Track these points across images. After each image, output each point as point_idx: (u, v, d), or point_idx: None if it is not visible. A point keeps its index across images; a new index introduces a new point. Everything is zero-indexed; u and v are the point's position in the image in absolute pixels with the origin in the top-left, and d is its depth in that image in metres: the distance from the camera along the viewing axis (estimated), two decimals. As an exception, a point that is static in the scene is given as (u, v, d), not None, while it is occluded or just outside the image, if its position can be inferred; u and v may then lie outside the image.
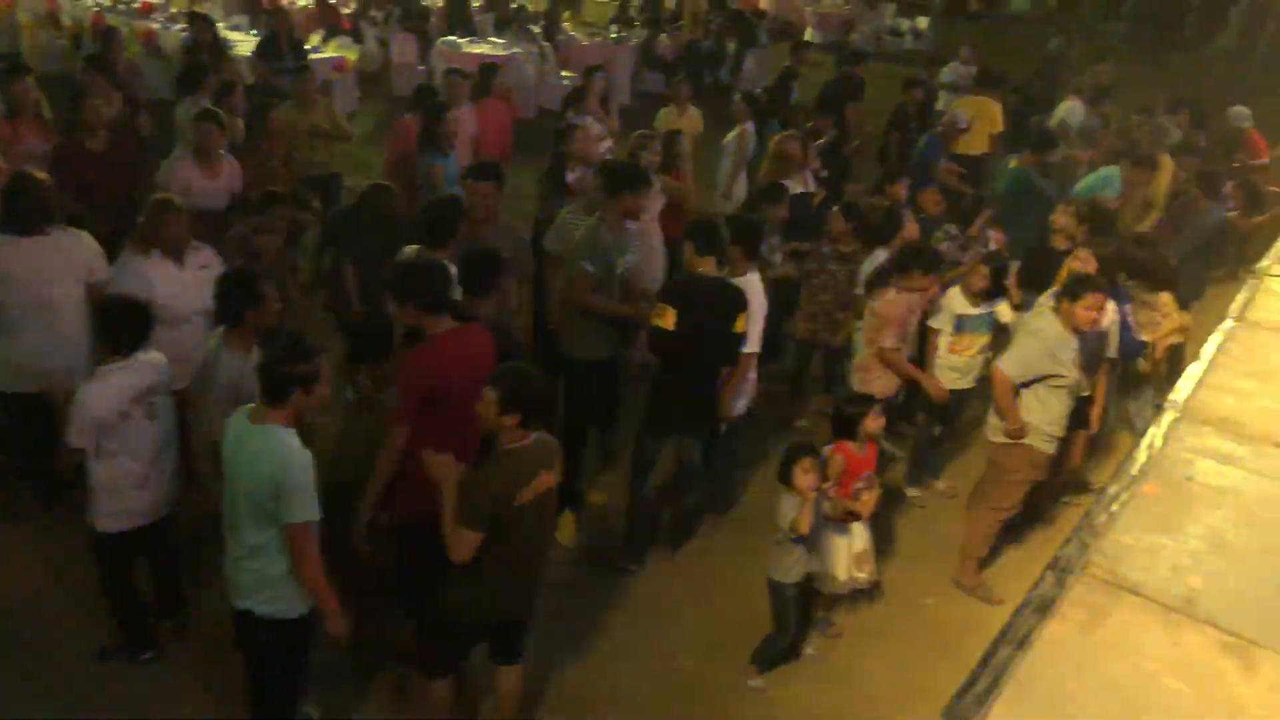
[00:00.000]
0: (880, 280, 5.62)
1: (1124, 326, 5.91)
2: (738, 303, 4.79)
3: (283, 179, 6.44)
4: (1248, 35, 22.27)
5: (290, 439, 3.31)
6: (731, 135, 8.29)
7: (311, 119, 7.52)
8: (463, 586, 3.48)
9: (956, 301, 5.85)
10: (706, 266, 4.82)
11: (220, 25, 12.09)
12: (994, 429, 5.18)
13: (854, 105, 9.73)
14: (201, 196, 6.06)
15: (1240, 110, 10.20)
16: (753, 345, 5.14)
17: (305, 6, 14.51)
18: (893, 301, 5.51)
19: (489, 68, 8.61)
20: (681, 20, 17.65)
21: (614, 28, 15.91)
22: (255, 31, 11.96)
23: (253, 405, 3.38)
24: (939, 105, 11.56)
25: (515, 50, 13.14)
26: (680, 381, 4.89)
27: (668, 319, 4.66)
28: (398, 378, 3.89)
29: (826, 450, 4.65)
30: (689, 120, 8.83)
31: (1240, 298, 5.25)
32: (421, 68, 13.13)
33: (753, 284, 5.13)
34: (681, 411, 4.98)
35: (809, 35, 21.05)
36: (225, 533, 3.52)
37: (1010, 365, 5.00)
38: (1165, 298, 6.19)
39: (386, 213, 5.67)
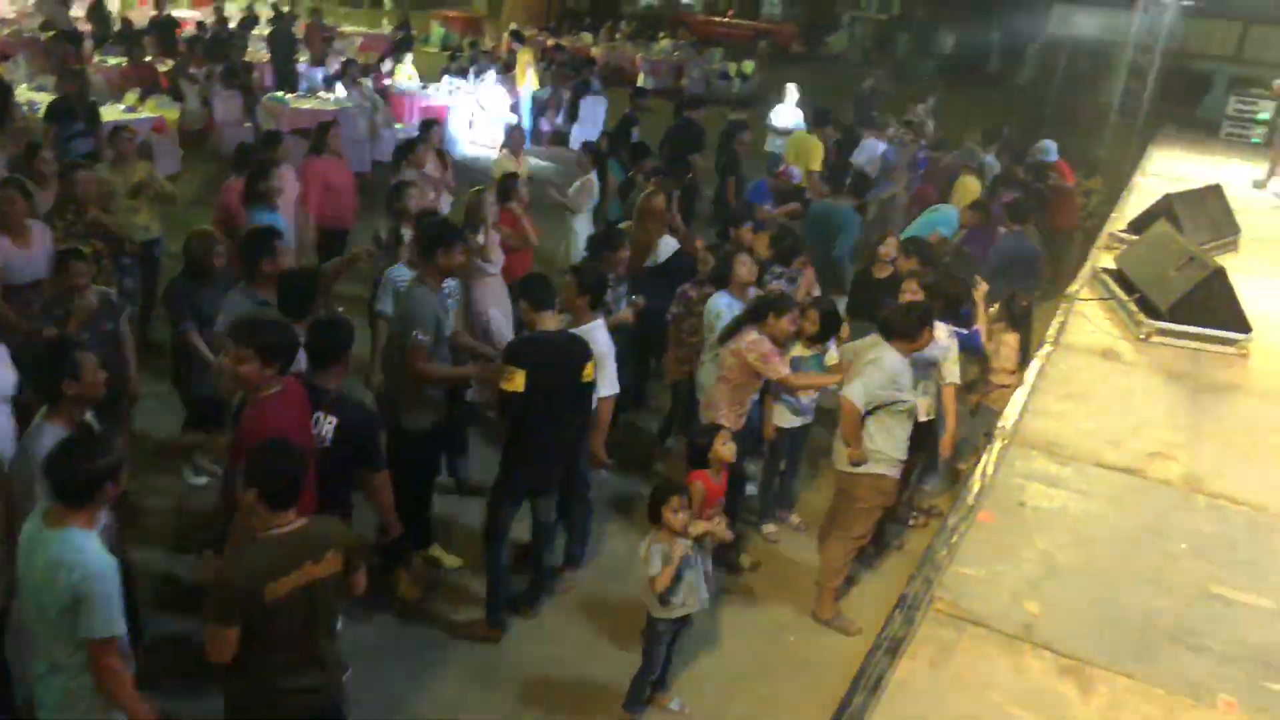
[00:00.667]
0: (737, 329, 5.64)
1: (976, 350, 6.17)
2: (583, 353, 4.76)
3: (94, 241, 6.05)
4: (1044, 71, 23.95)
5: (89, 543, 3.01)
6: (575, 186, 8.33)
7: (129, 180, 7.14)
8: (234, 682, 3.20)
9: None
10: (546, 322, 4.77)
11: (24, 87, 11.41)
12: (841, 458, 5.28)
13: (698, 154, 9.98)
14: (19, 269, 5.64)
15: (1048, 144, 10.89)
16: (609, 388, 5.17)
17: (119, 64, 13.86)
18: (758, 340, 5.59)
19: (323, 126, 8.41)
20: (514, 69, 17.74)
21: (447, 78, 15.82)
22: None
23: (48, 505, 3.06)
24: (765, 146, 11.91)
25: (347, 104, 12.89)
26: (533, 443, 4.80)
27: (516, 382, 4.56)
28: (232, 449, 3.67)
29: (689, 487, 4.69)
30: (524, 166, 8.83)
31: (1055, 322, 5.60)
32: (248, 124, 12.71)
33: (596, 330, 5.13)
34: (535, 473, 4.90)
35: (641, 81, 21.50)
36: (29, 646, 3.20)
37: (856, 394, 5.12)
38: (1010, 340, 6.35)
39: (207, 262, 5.41)
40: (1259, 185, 9.50)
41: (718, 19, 32.76)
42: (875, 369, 5.18)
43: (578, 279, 5.16)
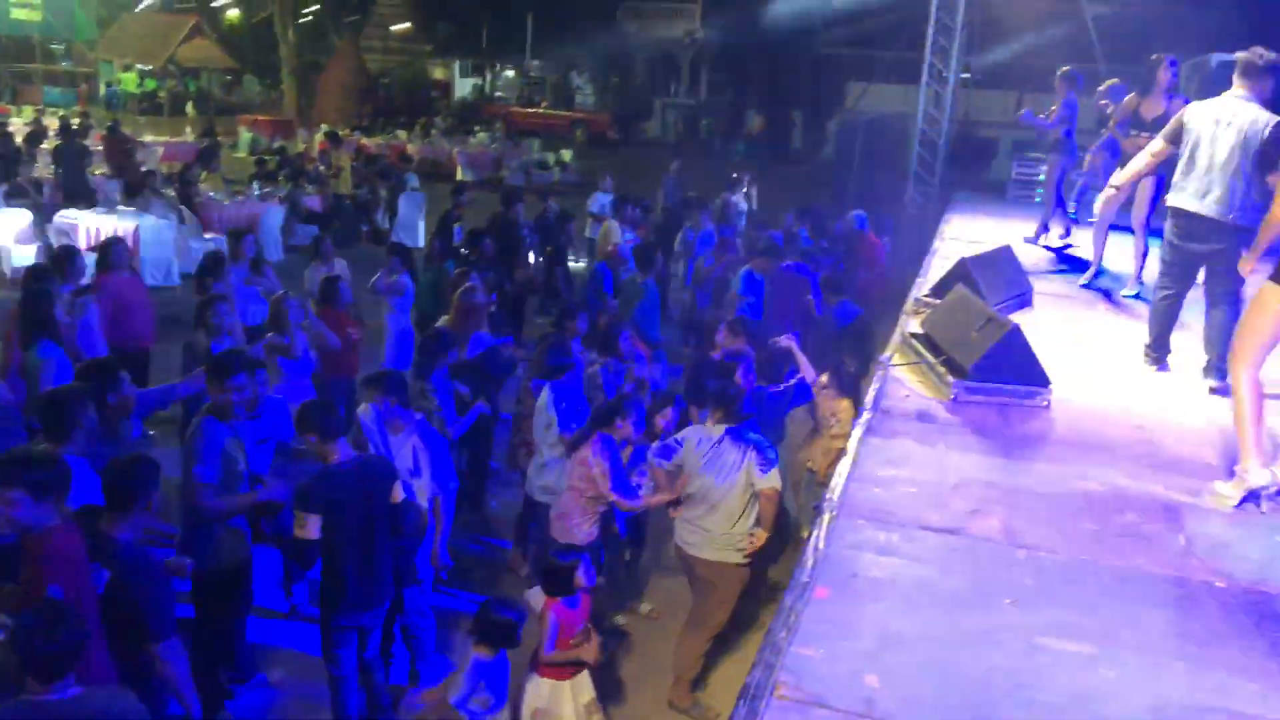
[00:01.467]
0: (585, 435, 5.55)
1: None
2: (385, 475, 4.52)
3: None
4: (842, 146, 25.36)
5: None
6: (384, 286, 8.27)
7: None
8: None
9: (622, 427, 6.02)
10: (335, 453, 4.47)
11: None
12: (707, 547, 5.18)
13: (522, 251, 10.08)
14: None
15: (856, 215, 11.49)
16: (438, 489, 5.05)
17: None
18: (599, 459, 5.51)
19: (110, 242, 8.02)
20: (327, 171, 17.50)
21: (256, 184, 15.43)
22: None
23: None
24: (586, 232, 12.11)
25: (149, 218, 12.35)
26: (347, 581, 4.48)
27: (309, 529, 4.25)
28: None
29: (538, 604, 4.55)
30: (338, 270, 8.68)
31: (871, 389, 5.80)
32: (38, 244, 11.98)
33: (408, 438, 5.00)
34: (356, 610, 4.57)
35: (460, 175, 21.57)
36: None
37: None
38: (845, 405, 6.53)
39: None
40: (1029, 240, 10.26)
41: (533, 110, 33.39)
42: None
43: (381, 386, 5.00)
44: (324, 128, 23.59)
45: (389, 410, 4.98)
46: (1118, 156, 9.17)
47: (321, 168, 17.60)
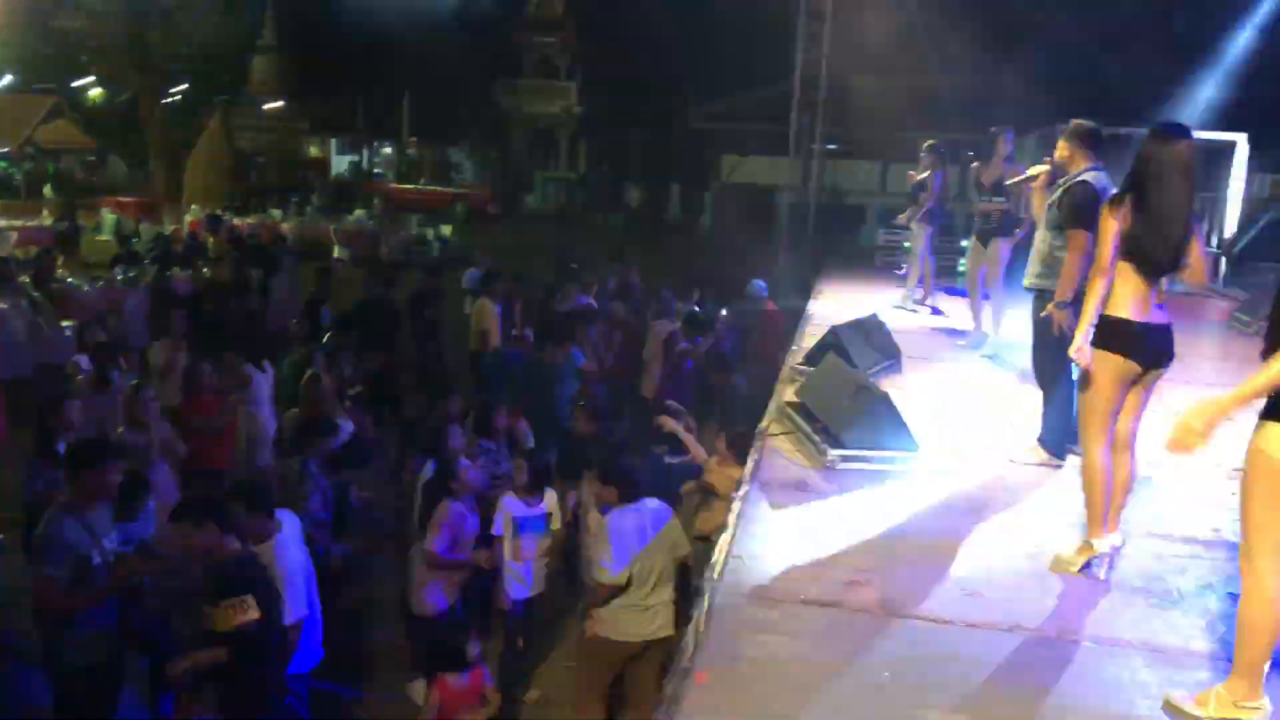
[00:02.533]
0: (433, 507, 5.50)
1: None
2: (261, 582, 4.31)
3: None
4: (719, 216, 26.03)
5: None
6: (241, 380, 8.04)
7: None
8: None
9: (512, 505, 5.94)
10: (229, 542, 4.26)
11: None
12: (670, 618, 5.21)
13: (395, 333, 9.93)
14: None
15: (758, 284, 11.71)
16: (296, 611, 4.78)
17: None
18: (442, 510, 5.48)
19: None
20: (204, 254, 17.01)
21: (120, 268, 14.85)
22: None
23: None
24: (465, 309, 12.04)
25: (1, 305, 11.74)
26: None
27: (249, 611, 4.03)
28: None
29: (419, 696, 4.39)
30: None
31: (750, 460, 5.84)
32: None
33: (271, 550, 4.73)
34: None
35: (337, 253, 21.24)
36: None
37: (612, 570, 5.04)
38: (735, 473, 6.54)
39: None
40: (897, 306, 10.63)
41: (412, 186, 33.27)
42: (617, 535, 5.15)
43: (244, 496, 4.75)
44: (193, 208, 22.98)
45: (255, 524, 4.71)
46: (938, 221, 9.85)
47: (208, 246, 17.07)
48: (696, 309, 10.50)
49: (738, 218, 19.67)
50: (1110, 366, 4.07)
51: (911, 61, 17.96)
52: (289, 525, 4.87)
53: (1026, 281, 5.93)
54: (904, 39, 16.09)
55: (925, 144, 10.34)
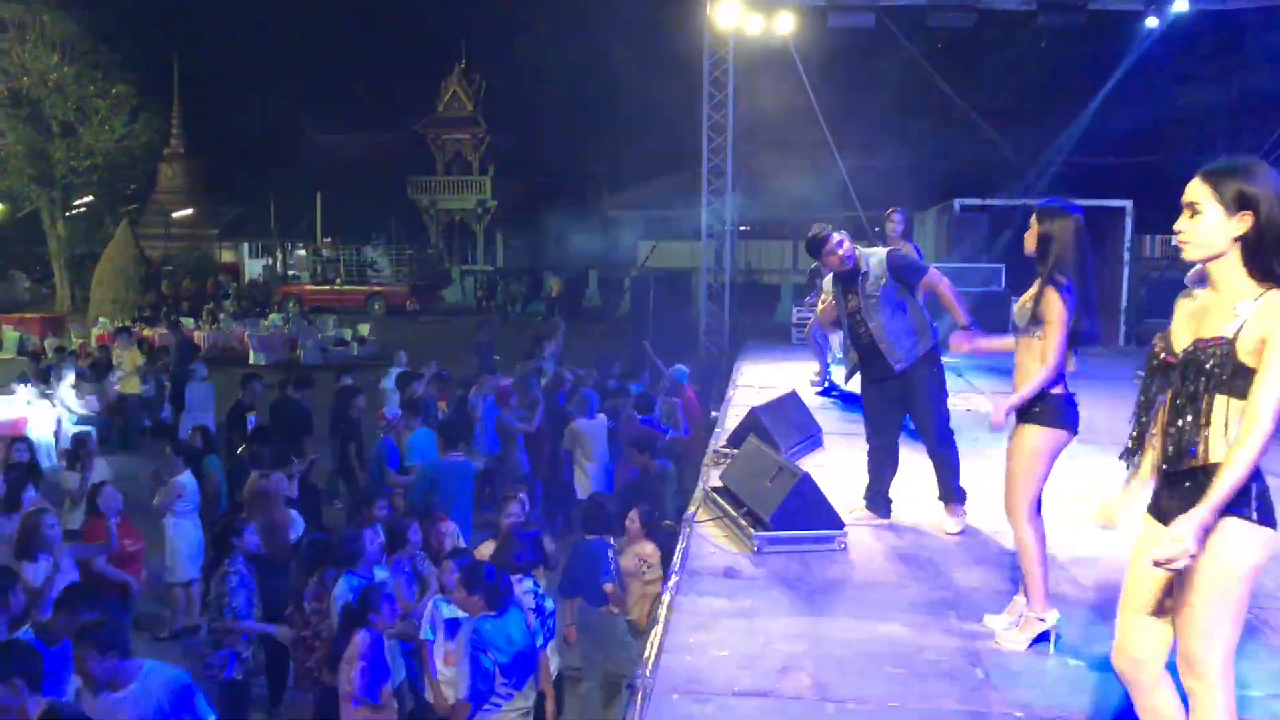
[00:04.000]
0: (345, 633, 5.28)
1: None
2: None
3: None
4: (637, 301, 26.28)
5: None
6: (161, 490, 7.81)
7: None
8: None
9: (440, 607, 5.77)
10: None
11: None
12: None
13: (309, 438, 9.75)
14: None
15: (679, 370, 11.80)
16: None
17: None
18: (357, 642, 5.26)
19: None
20: (111, 367, 16.54)
21: (25, 385, 14.36)
22: None
23: None
24: (385, 410, 11.87)
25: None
26: None
27: None
28: None
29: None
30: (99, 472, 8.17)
31: (679, 548, 5.82)
32: None
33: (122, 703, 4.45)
34: None
35: (252, 358, 20.88)
36: None
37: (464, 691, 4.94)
38: (651, 549, 6.52)
39: None
40: (815, 384, 10.80)
41: (328, 287, 32.99)
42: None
43: (92, 638, 4.34)
44: (102, 321, 22.46)
45: (106, 669, 4.23)
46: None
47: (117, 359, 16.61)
48: (644, 391, 10.53)
49: (656, 302, 19.86)
50: (1057, 442, 4.23)
51: (816, 143, 18.61)
52: (158, 675, 4.34)
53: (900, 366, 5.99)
54: (807, 122, 16.69)
55: (812, 266, 10.85)
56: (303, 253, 38.17)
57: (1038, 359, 4.21)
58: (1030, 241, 4.33)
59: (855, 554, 5.50)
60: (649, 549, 6.51)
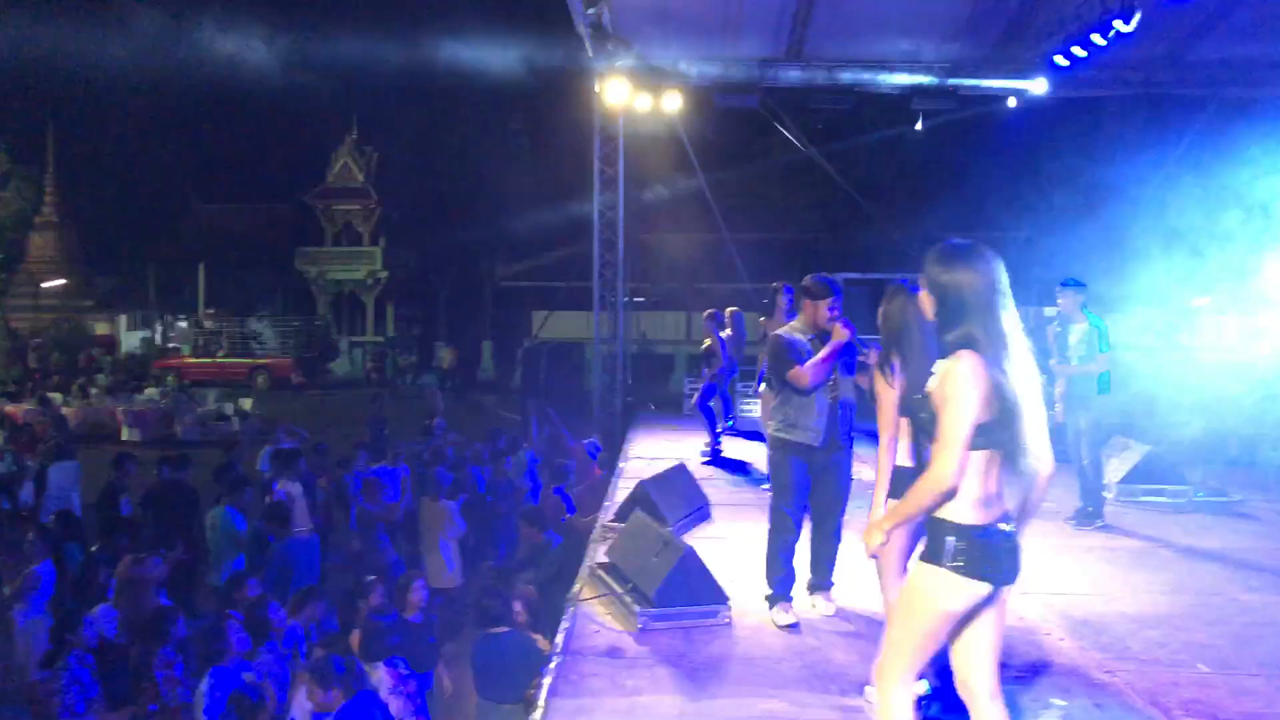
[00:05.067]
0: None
1: None
2: None
3: None
4: (530, 373, 26.15)
5: None
6: (16, 582, 7.30)
7: None
8: None
9: (302, 704, 5.55)
10: None
11: None
12: None
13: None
14: None
15: (591, 444, 11.72)
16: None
17: None
18: None
19: None
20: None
21: None
22: None
23: None
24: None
25: None
26: None
27: None
28: None
29: None
30: None
31: (562, 627, 5.70)
32: None
33: None
34: None
35: (126, 434, 19.97)
36: None
37: None
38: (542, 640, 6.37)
39: None
40: (703, 456, 10.88)
41: (209, 360, 31.95)
42: None
43: None
44: (-39, 397, 21.22)
45: None
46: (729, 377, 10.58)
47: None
48: (564, 464, 10.39)
49: (548, 373, 19.79)
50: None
51: (705, 218, 19.00)
52: None
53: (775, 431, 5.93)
54: (696, 197, 17.06)
55: (705, 313, 10.98)
56: (184, 324, 36.94)
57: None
58: (879, 319, 4.57)
59: (739, 629, 5.47)
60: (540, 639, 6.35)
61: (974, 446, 3.08)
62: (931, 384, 3.18)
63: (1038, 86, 13.70)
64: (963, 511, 3.12)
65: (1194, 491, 8.87)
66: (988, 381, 3.08)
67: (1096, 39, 10.86)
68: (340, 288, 39.87)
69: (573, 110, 19.08)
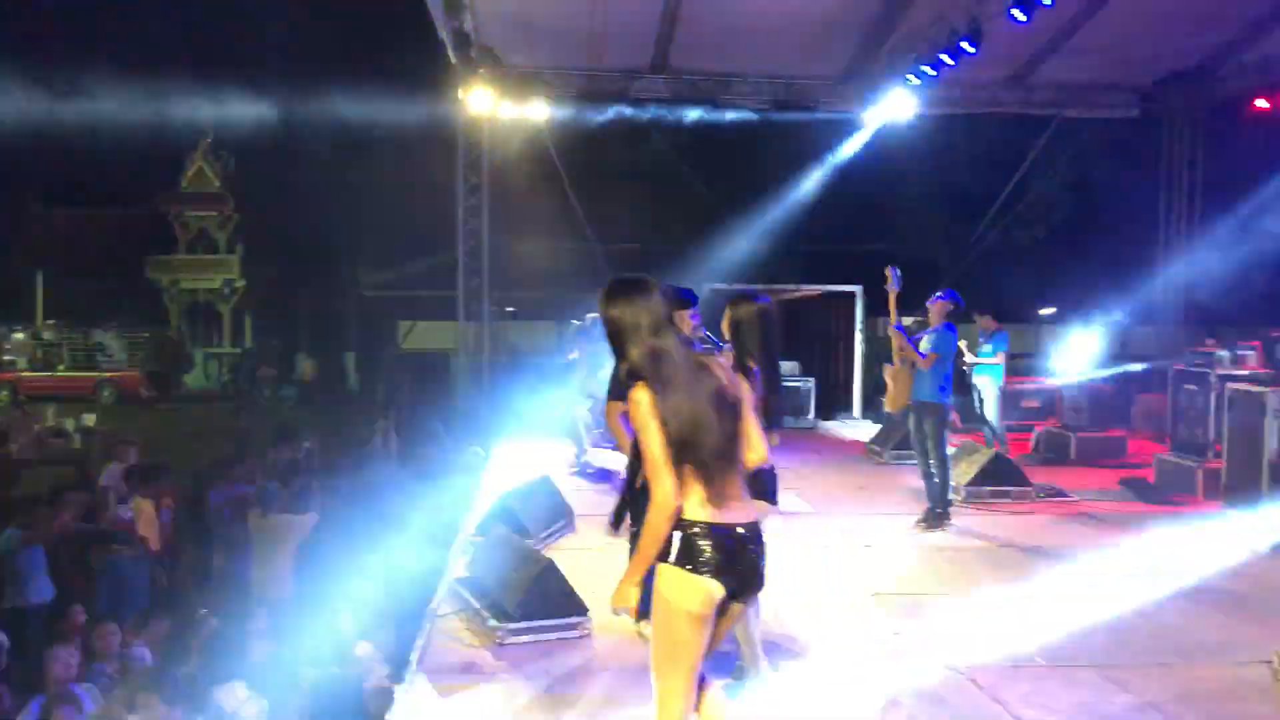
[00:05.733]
0: None
1: None
2: None
3: None
4: (394, 385, 25.59)
5: None
6: None
7: None
8: None
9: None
10: None
11: None
12: None
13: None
14: None
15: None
16: None
17: None
18: None
19: None
20: None
21: None
22: None
23: None
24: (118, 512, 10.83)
25: None
26: None
27: None
28: None
29: None
30: None
31: (416, 646, 5.55)
32: None
33: None
34: None
35: (-48, 456, 18.61)
36: None
37: None
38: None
39: None
40: (570, 468, 10.85)
41: (49, 374, 30.15)
42: None
43: None
44: None
45: None
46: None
47: None
48: None
49: (414, 384, 19.42)
50: None
51: (573, 228, 18.95)
52: None
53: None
54: (564, 207, 17.03)
55: (573, 324, 11.00)
56: (20, 336, 34.71)
57: None
58: (725, 327, 4.65)
59: (601, 641, 5.44)
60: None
61: (676, 462, 3.19)
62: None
63: (893, 103, 14.24)
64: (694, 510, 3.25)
65: (1036, 493, 9.32)
66: (658, 407, 3.18)
67: (945, 59, 11.36)
68: (195, 297, 38.18)
69: (439, 116, 18.79)
